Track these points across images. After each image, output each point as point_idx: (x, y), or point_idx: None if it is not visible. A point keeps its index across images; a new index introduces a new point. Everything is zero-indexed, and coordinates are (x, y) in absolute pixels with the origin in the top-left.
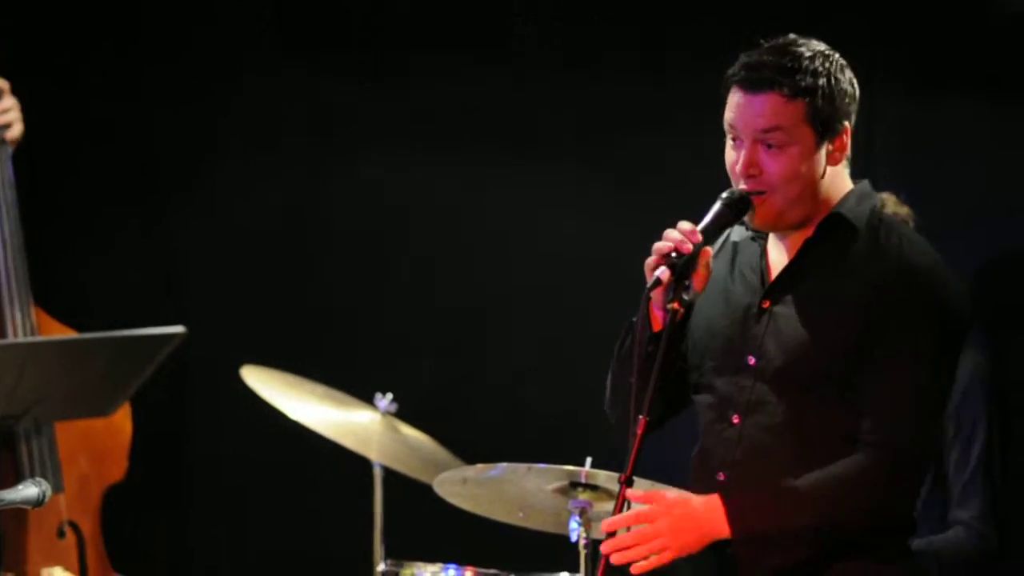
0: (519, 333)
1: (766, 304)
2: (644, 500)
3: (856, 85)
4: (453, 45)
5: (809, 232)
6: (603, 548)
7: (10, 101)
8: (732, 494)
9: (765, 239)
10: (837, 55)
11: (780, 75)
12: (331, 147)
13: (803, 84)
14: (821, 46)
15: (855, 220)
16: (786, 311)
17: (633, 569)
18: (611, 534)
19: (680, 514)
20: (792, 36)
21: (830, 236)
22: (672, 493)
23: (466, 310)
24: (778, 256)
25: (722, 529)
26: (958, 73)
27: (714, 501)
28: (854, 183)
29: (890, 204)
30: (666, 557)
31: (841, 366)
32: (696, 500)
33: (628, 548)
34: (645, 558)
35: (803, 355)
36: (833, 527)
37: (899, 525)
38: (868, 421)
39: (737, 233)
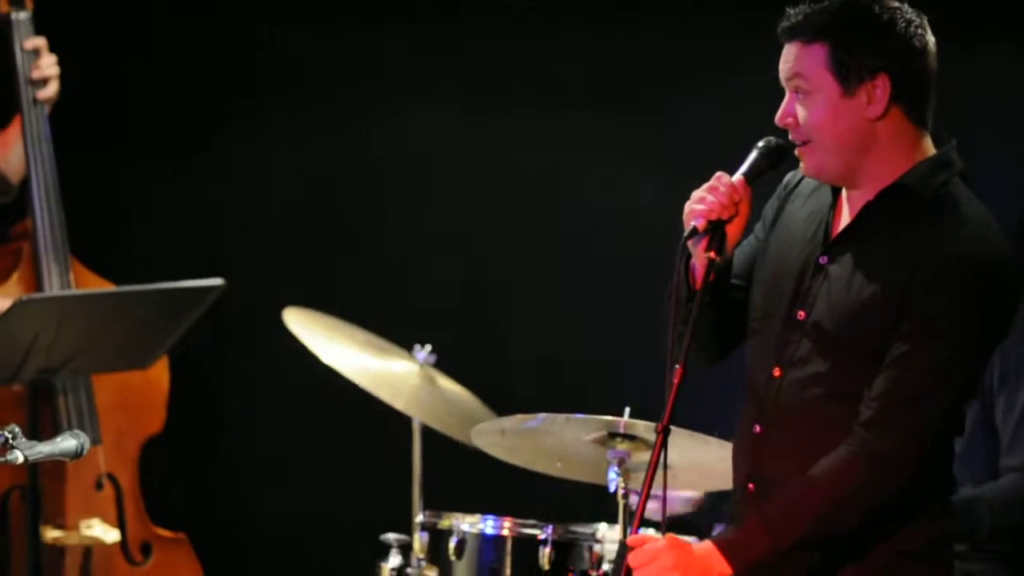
0: (557, 284)
1: (823, 260)
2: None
3: (912, 40)
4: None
5: (871, 196)
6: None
7: (48, 59)
8: (722, 538)
9: (840, 190)
10: (895, 8)
11: (801, 22)
12: (374, 96)
13: (819, 29)
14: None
15: (919, 191)
16: (839, 272)
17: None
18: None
19: (683, 549)
20: None
21: (891, 203)
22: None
23: (504, 262)
24: (847, 213)
25: (723, 569)
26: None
27: (708, 546)
28: (940, 147)
29: None
30: None
31: (877, 340)
32: (693, 547)
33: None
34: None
35: (847, 321)
36: (829, 532)
37: (934, 483)
38: (864, 408)
39: (813, 180)
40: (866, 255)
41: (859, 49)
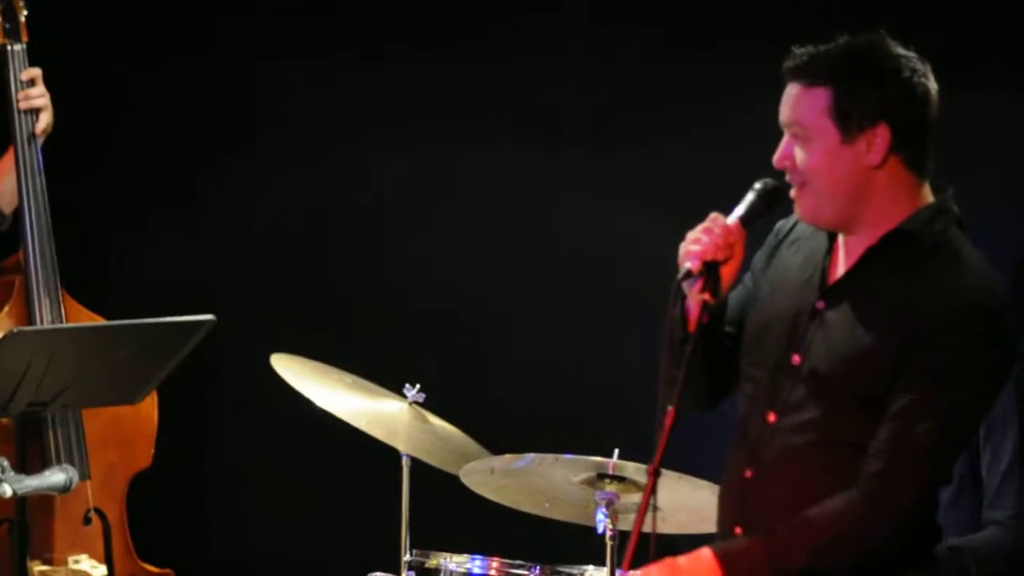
0: (549, 323)
1: (820, 305)
2: None
3: (915, 90)
4: (480, 29)
5: (873, 241)
6: None
7: (39, 89)
8: (722, 547)
9: (836, 235)
10: (900, 56)
11: (806, 63)
12: (360, 137)
13: (822, 73)
14: (883, 46)
15: (920, 239)
16: (837, 318)
17: None
18: None
19: (670, 571)
20: (869, 35)
21: (893, 250)
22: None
23: (495, 300)
24: (843, 258)
25: None
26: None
27: (705, 557)
28: (938, 195)
29: None
30: None
31: (874, 387)
32: (685, 557)
33: None
34: None
35: (845, 368)
36: (823, 567)
37: (919, 532)
38: (872, 459)
39: (807, 225)
40: (866, 301)
41: (861, 97)
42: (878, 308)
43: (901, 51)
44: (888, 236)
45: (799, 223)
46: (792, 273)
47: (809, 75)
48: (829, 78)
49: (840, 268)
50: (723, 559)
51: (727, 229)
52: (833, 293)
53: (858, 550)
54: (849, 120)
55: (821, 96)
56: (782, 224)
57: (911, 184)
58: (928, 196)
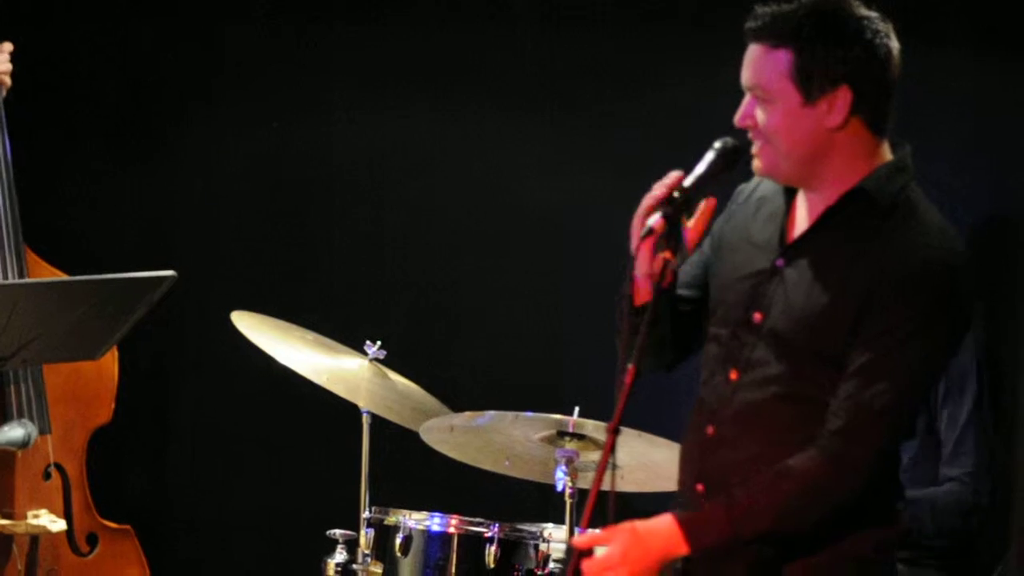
0: (511, 281)
1: (779, 263)
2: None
3: (877, 51)
4: None
5: (832, 200)
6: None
7: (5, 58)
8: (684, 514)
9: (794, 195)
10: (863, 17)
11: (768, 24)
12: (321, 95)
13: (785, 34)
14: (845, 6)
15: (879, 196)
16: (796, 276)
17: None
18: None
19: (631, 540)
20: None
21: (852, 209)
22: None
23: (457, 258)
24: (802, 216)
25: (678, 548)
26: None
27: (667, 522)
28: (896, 153)
29: None
30: None
31: (834, 344)
32: (646, 524)
33: None
34: None
35: (804, 325)
36: (789, 528)
37: (882, 488)
38: (833, 417)
39: (767, 186)
40: (824, 259)
41: (822, 59)
42: (837, 266)
43: (863, 11)
44: (847, 195)
45: (760, 185)
46: (753, 233)
47: (771, 36)
48: (791, 40)
49: (800, 227)
50: (685, 526)
51: (678, 177)
52: (792, 251)
53: (822, 508)
54: (811, 82)
55: (782, 58)
56: (743, 186)
57: (871, 143)
58: (887, 154)
